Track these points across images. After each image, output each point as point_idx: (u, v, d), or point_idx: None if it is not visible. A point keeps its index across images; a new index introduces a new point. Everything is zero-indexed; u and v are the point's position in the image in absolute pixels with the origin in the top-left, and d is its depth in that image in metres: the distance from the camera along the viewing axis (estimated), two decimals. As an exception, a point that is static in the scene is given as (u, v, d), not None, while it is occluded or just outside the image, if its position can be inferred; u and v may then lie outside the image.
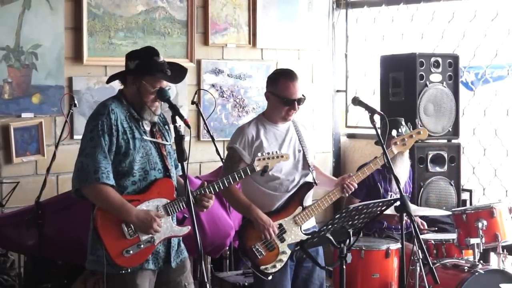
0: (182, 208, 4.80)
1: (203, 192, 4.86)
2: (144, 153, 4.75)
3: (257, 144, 5.40)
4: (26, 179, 7.05)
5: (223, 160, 6.57)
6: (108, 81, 5.02)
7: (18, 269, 6.84)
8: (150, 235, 4.69)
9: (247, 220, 5.39)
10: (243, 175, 5.02)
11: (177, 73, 4.89)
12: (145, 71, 4.74)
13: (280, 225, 5.36)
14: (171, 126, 4.59)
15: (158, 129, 4.90)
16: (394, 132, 6.69)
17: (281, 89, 5.40)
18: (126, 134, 4.71)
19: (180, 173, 5.07)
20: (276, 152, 5.09)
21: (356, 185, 5.60)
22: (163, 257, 4.85)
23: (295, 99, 5.39)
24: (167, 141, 4.93)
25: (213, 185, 4.91)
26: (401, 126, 6.82)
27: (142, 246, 4.70)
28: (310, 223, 5.50)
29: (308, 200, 5.52)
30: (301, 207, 5.43)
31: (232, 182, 4.99)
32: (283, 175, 5.40)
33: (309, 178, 5.52)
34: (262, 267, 5.32)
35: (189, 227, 4.84)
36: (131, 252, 4.67)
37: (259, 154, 5.04)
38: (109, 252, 4.65)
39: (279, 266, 5.34)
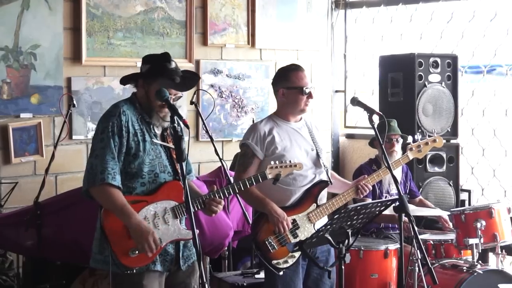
0: None
1: (212, 196, 4.84)
2: (154, 156, 4.76)
3: (269, 139, 5.42)
4: (24, 180, 7.05)
5: (222, 160, 6.59)
6: (121, 81, 5.01)
7: (17, 270, 6.84)
8: (157, 237, 4.63)
9: (260, 213, 5.40)
10: (254, 182, 5.02)
11: (187, 81, 4.88)
12: (153, 77, 4.77)
13: (294, 220, 5.37)
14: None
15: (169, 134, 4.87)
16: (410, 139, 6.72)
17: (296, 81, 5.46)
18: (136, 136, 4.73)
19: (192, 178, 5.11)
20: (290, 161, 5.11)
21: (371, 187, 5.63)
22: (172, 260, 4.82)
23: (311, 87, 5.48)
24: None
25: (223, 190, 4.88)
26: (389, 126, 6.87)
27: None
28: (323, 222, 5.48)
29: (323, 199, 5.53)
30: (315, 204, 5.44)
31: (242, 188, 5.00)
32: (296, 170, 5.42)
33: (323, 177, 5.54)
34: (274, 262, 5.33)
35: (197, 231, 4.86)
36: (137, 252, 4.64)
37: (272, 162, 5.06)
38: (115, 251, 4.64)
39: (291, 262, 5.34)
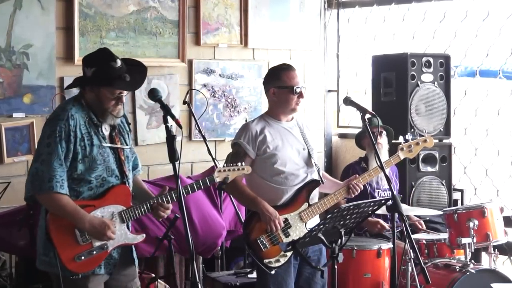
0: (138, 215, 4.74)
1: (160, 201, 4.78)
2: (101, 160, 4.69)
3: (261, 138, 5.43)
4: (17, 179, 7.02)
5: (215, 159, 6.59)
6: (67, 88, 4.96)
7: (10, 270, 6.83)
8: (103, 242, 4.66)
9: (252, 212, 5.41)
10: (202, 185, 4.91)
11: (137, 76, 4.77)
12: (101, 81, 4.66)
13: (286, 219, 5.38)
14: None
15: (118, 132, 4.83)
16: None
17: (287, 80, 5.47)
18: (84, 140, 4.64)
19: (138, 173, 5.05)
20: (239, 164, 5.05)
21: (362, 186, 5.63)
22: (116, 263, 4.80)
23: (302, 87, 5.49)
24: (126, 144, 4.86)
25: (170, 194, 4.78)
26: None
27: (94, 252, 4.66)
28: (315, 222, 5.48)
29: (314, 198, 5.53)
30: (307, 204, 5.45)
31: (190, 192, 4.88)
32: (287, 169, 5.42)
33: (315, 176, 5.55)
34: (266, 261, 5.33)
35: (144, 235, 4.84)
36: (83, 258, 4.63)
37: (220, 165, 5.04)
38: (61, 257, 4.60)
39: (282, 261, 5.35)
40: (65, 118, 4.61)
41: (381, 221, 6.76)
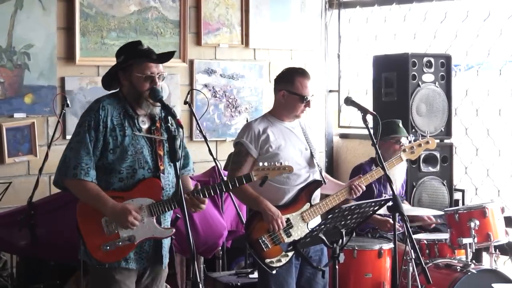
0: (167, 210, 4.74)
1: (196, 195, 4.78)
2: (133, 151, 4.71)
3: (263, 138, 5.43)
4: (18, 179, 7.04)
5: (216, 160, 6.59)
6: (104, 85, 4.95)
7: (11, 270, 6.83)
8: (130, 234, 4.67)
9: (254, 212, 5.40)
10: (237, 183, 4.95)
11: (164, 55, 4.85)
12: (131, 60, 4.74)
13: (288, 219, 5.38)
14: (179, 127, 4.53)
15: (159, 127, 4.82)
16: (404, 140, 6.71)
17: (299, 88, 5.47)
18: (115, 131, 4.70)
19: (188, 173, 5.07)
20: (281, 163, 5.04)
21: (364, 187, 5.62)
22: (148, 258, 4.81)
23: (312, 95, 5.49)
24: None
25: (202, 190, 4.80)
26: (398, 128, 6.86)
27: (120, 243, 4.68)
28: (317, 222, 5.48)
29: (316, 199, 5.53)
30: (309, 204, 5.44)
31: (224, 189, 4.94)
32: None
33: (317, 176, 5.54)
34: (267, 260, 5.32)
35: (173, 230, 4.82)
36: (109, 248, 4.66)
37: (260, 164, 5.01)
38: (87, 245, 4.69)
39: (284, 261, 5.34)
40: (95, 109, 4.72)
41: (391, 220, 6.74)
